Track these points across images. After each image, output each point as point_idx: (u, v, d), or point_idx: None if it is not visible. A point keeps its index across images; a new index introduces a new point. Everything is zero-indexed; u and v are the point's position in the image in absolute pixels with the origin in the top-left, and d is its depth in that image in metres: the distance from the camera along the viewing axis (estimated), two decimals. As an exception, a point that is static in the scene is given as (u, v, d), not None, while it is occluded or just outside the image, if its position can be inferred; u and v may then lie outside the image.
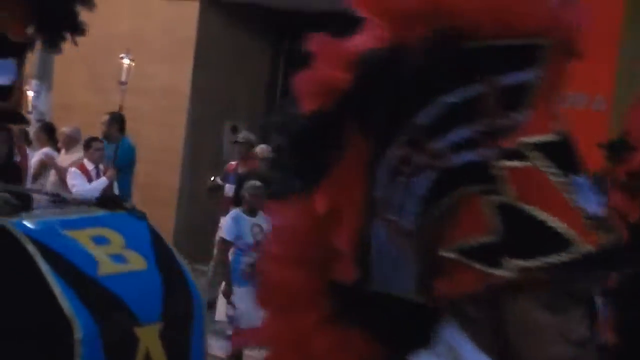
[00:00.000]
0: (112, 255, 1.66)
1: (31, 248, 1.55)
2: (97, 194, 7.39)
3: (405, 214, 1.14)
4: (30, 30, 2.02)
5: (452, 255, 1.09)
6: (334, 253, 1.19)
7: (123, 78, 8.64)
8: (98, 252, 1.64)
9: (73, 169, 7.99)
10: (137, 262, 1.69)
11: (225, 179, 9.06)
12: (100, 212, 1.80)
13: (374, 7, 1.17)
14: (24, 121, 2.08)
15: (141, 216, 1.82)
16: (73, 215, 1.77)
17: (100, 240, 1.69)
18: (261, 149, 8.67)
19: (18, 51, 1.99)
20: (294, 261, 1.24)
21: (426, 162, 1.12)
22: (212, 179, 9.80)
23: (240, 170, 8.82)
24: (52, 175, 8.71)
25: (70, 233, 1.66)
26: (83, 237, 1.67)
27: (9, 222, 1.62)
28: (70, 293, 1.52)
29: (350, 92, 1.15)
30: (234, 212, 6.83)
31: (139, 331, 1.58)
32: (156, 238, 1.79)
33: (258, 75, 12.07)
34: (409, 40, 1.12)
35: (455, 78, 1.11)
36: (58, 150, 9.15)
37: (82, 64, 10.50)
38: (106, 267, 1.62)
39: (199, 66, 11.13)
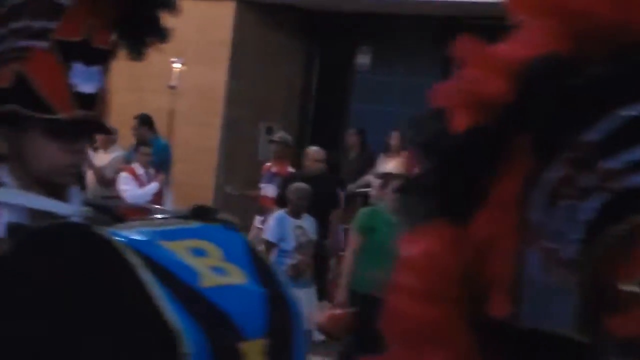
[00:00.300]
0: (212, 268, 1.60)
1: (133, 259, 1.49)
2: (148, 198, 7.42)
3: (566, 242, 1.02)
4: (113, 36, 1.94)
5: (636, 289, 0.97)
6: (481, 285, 1.10)
7: (174, 82, 8.65)
8: (198, 264, 1.59)
9: (124, 174, 8.03)
10: (237, 275, 1.62)
11: (261, 179, 9.09)
12: (195, 224, 1.74)
13: (547, 14, 1.06)
14: (108, 131, 2.02)
15: (236, 228, 1.77)
16: (168, 226, 1.71)
17: (198, 252, 1.62)
18: (313, 150, 8.65)
19: (102, 58, 1.91)
20: (429, 294, 1.15)
21: (595, 183, 1.00)
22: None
23: (274, 169, 8.86)
24: (89, 175, 8.75)
25: (167, 244, 1.61)
26: (180, 249, 1.61)
27: (107, 231, 1.57)
28: (176, 305, 1.46)
29: (512, 105, 1.05)
30: (279, 213, 6.83)
31: (244, 347, 1.53)
32: (253, 250, 1.73)
33: (293, 76, 12.06)
34: (585, 48, 1.02)
35: (637, 89, 0.99)
36: (95, 149, 9.20)
37: (118, 64, 10.53)
38: (208, 279, 1.56)
39: (235, 67, 11.13)
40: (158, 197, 7.77)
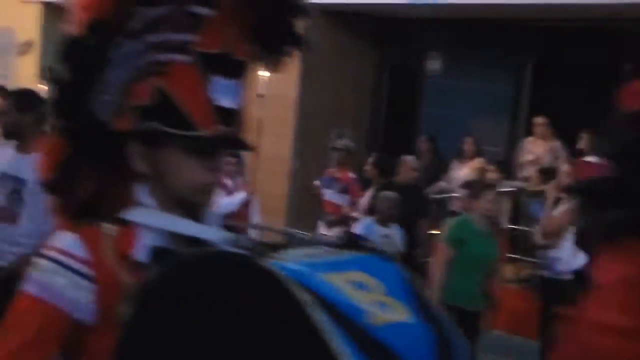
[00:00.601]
0: (376, 303, 1.51)
1: (301, 294, 1.40)
2: (234, 207, 7.39)
3: None
4: (250, 47, 1.83)
5: None
6: None
7: (262, 91, 8.66)
8: (362, 299, 1.50)
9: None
10: (401, 311, 1.53)
11: (323, 184, 9.10)
12: (349, 254, 1.65)
13: None
14: (248, 147, 1.91)
15: (390, 258, 1.68)
16: (326, 257, 1.62)
17: (359, 286, 1.53)
18: (410, 159, 8.62)
19: (241, 71, 1.81)
20: (629, 328, 1.06)
21: None
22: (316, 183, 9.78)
23: (336, 175, 8.86)
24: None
25: (329, 277, 1.53)
26: (343, 282, 1.52)
27: (269, 263, 1.49)
28: (350, 346, 1.38)
29: None
30: (367, 220, 6.77)
31: (416, 387, 1.45)
32: (411, 283, 1.64)
33: (364, 83, 12.00)
34: None
35: None
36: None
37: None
38: (375, 316, 1.47)
39: (306, 75, 11.10)
40: (245, 207, 7.74)
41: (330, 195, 8.89)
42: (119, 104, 1.78)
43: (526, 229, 9.82)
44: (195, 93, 1.74)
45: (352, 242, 1.69)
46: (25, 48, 14.53)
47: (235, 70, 1.79)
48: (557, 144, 10.50)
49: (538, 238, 7.85)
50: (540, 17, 10.86)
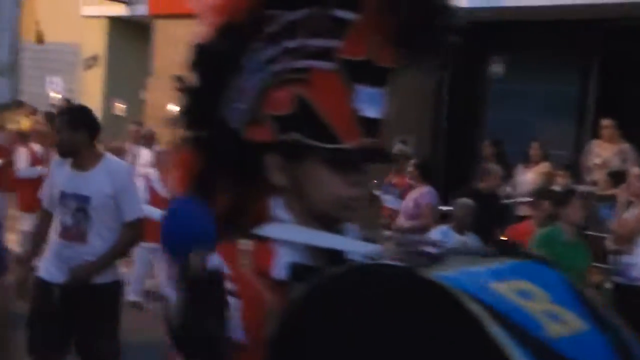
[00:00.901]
0: (546, 313, 1.43)
1: (475, 308, 1.33)
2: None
3: None
4: (394, 53, 1.72)
5: None
6: None
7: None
8: (532, 309, 1.42)
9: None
10: (573, 320, 1.44)
11: (382, 190, 9.03)
12: (507, 261, 1.57)
13: None
14: (390, 160, 1.81)
15: (549, 264, 1.60)
16: (485, 265, 1.54)
17: (525, 295, 1.45)
18: (497, 168, 8.53)
19: (386, 78, 1.72)
20: None
21: None
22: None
23: (394, 181, 8.80)
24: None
25: (495, 287, 1.45)
26: (508, 292, 1.45)
27: (434, 275, 1.41)
28: None
29: None
30: (443, 227, 6.68)
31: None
32: (577, 290, 1.55)
33: (425, 89, 11.87)
34: None
35: None
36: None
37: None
38: (550, 328, 1.39)
39: (367, 81, 11.04)
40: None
41: (388, 201, 8.82)
42: (253, 113, 1.70)
43: (596, 234, 9.61)
44: (339, 103, 1.64)
45: (508, 248, 1.61)
46: (91, 63, 14.71)
47: (380, 78, 1.70)
48: (625, 146, 10.25)
49: (610, 243, 7.68)
50: (604, 16, 10.64)
